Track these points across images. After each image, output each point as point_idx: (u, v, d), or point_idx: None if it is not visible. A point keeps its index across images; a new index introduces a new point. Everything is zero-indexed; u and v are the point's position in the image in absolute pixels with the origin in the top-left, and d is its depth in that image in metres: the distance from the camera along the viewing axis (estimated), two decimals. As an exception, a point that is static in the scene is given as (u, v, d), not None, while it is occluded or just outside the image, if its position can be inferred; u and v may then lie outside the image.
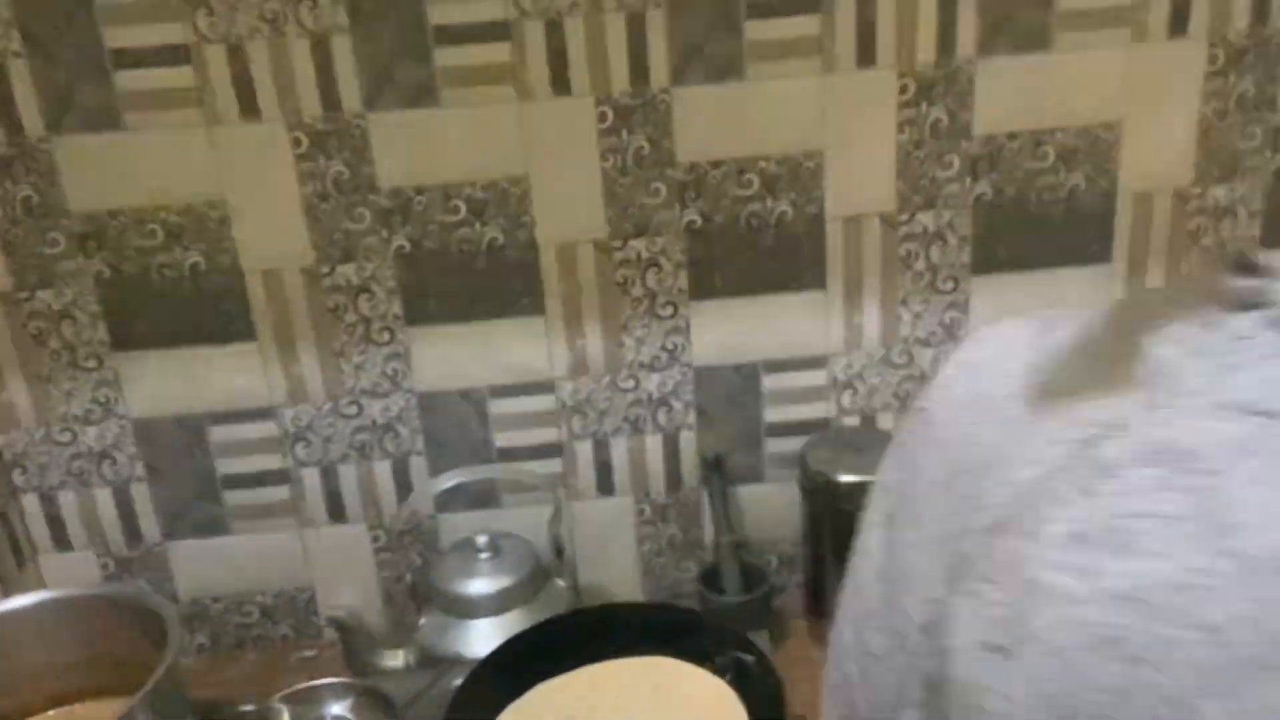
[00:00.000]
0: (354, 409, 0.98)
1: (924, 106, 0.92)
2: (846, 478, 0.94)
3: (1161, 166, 0.95)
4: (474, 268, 0.94)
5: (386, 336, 0.95)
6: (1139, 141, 0.94)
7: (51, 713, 0.86)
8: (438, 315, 0.95)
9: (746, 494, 1.03)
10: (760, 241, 0.95)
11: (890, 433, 1.02)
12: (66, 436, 0.96)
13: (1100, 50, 0.91)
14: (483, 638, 0.90)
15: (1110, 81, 0.92)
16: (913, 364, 1.01)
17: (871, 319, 0.99)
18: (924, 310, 0.99)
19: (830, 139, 0.92)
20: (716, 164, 0.92)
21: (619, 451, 1.02)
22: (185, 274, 0.92)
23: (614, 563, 1.06)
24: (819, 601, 1.00)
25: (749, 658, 0.79)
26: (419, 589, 0.93)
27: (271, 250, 0.92)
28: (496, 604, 0.91)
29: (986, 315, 0.99)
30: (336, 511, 1.01)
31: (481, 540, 0.93)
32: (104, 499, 0.99)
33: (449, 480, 0.92)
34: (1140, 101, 0.93)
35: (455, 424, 0.99)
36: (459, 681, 0.81)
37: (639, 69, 0.88)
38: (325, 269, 0.93)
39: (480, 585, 0.92)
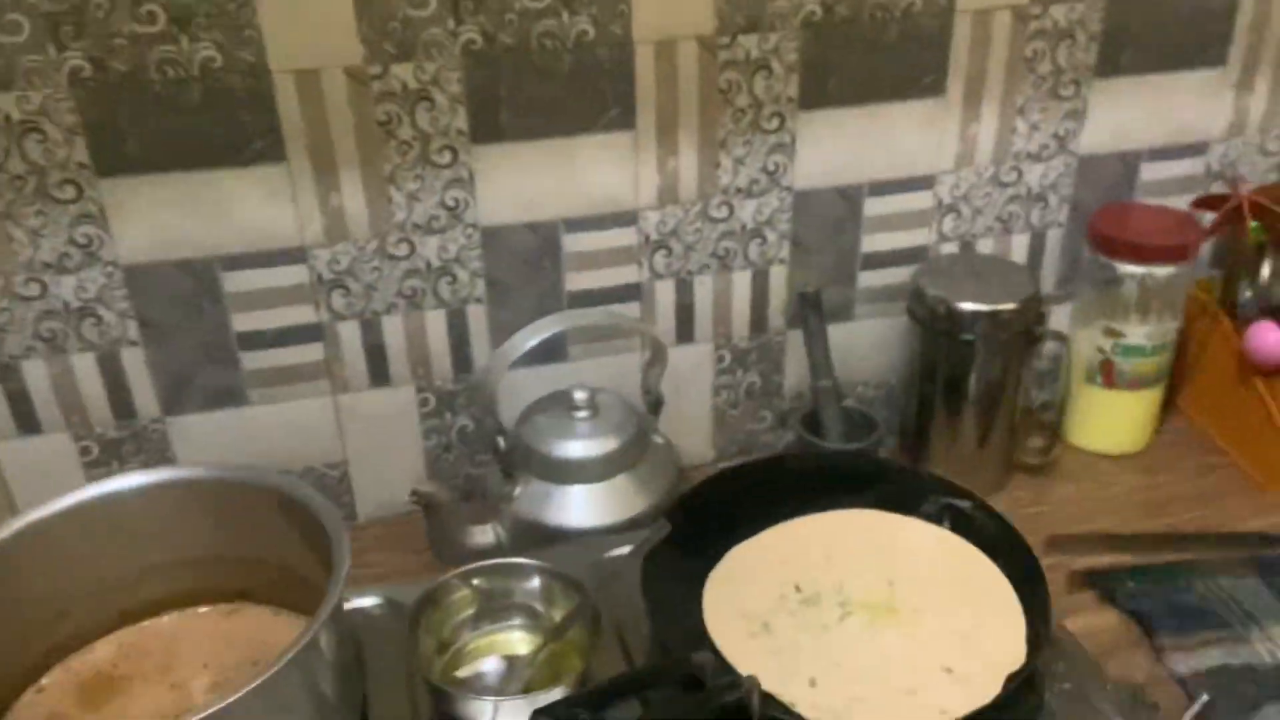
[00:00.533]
0: (404, 248, 0.81)
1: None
2: (970, 305, 0.85)
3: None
4: (557, 70, 0.77)
5: (448, 157, 0.78)
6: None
7: (168, 616, 0.70)
8: (510, 131, 0.78)
9: (836, 333, 0.92)
10: (882, 38, 0.82)
11: (999, 258, 0.94)
12: (33, 289, 0.75)
13: None
14: (586, 505, 0.78)
15: None
16: (1020, 181, 0.92)
17: (989, 130, 0.88)
18: (1042, 120, 0.89)
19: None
20: (843, -60, 0.78)
21: (703, 292, 0.89)
22: (194, 73, 0.71)
23: (684, 415, 0.94)
24: (923, 444, 0.92)
25: (963, 502, 0.70)
26: (511, 455, 0.79)
27: (307, 44, 0.72)
28: (601, 469, 0.79)
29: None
30: (379, 374, 0.85)
31: (580, 396, 0.80)
32: (85, 367, 0.79)
33: (545, 330, 0.77)
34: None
35: (521, 264, 0.83)
36: (635, 551, 0.68)
37: None
38: (376, 69, 0.74)
39: (582, 448, 0.79)
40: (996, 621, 0.68)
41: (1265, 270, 0.90)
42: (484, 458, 0.90)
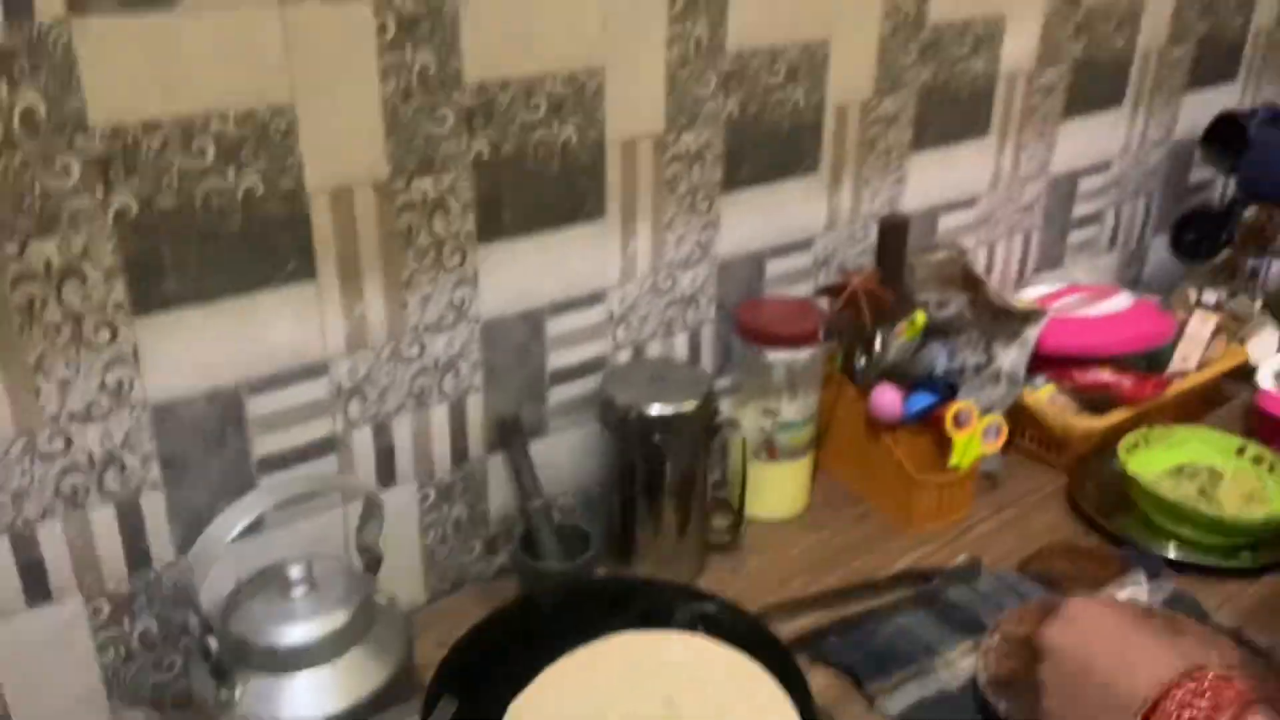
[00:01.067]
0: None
1: (687, 24, 0.89)
2: (658, 409, 0.91)
3: (852, 81, 1.04)
4: (225, 229, 0.71)
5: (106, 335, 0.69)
6: (840, 58, 1.02)
7: None
8: (178, 297, 0.71)
9: (534, 450, 0.94)
10: (546, 171, 0.86)
11: (671, 360, 1.01)
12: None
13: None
14: (321, 692, 0.72)
15: (824, 2, 0.98)
16: (675, 288, 1.00)
17: (644, 245, 0.95)
18: (686, 232, 0.98)
19: (611, 55, 0.86)
20: (504, 85, 0.80)
21: (402, 433, 0.86)
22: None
23: (392, 562, 0.90)
24: (628, 543, 0.96)
25: (710, 606, 0.74)
26: (223, 654, 0.70)
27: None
28: (332, 648, 0.73)
29: (733, 229, 1.02)
30: (35, 592, 0.72)
31: (296, 572, 0.73)
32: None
33: (252, 509, 0.69)
34: (846, 19, 1.00)
35: (199, 437, 0.75)
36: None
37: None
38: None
39: (308, 630, 0.72)
40: (772, 714, 0.72)
41: (878, 341, 1.06)
42: (174, 659, 0.79)
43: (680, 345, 1.03)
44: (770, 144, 1.01)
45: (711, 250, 1.01)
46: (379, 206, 0.77)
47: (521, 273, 0.88)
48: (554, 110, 0.84)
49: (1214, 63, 1.39)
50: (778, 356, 0.99)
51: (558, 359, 0.94)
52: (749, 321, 1.01)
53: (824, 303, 1.07)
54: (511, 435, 0.90)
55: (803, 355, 1.00)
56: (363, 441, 0.84)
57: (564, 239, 0.89)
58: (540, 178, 0.85)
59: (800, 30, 0.97)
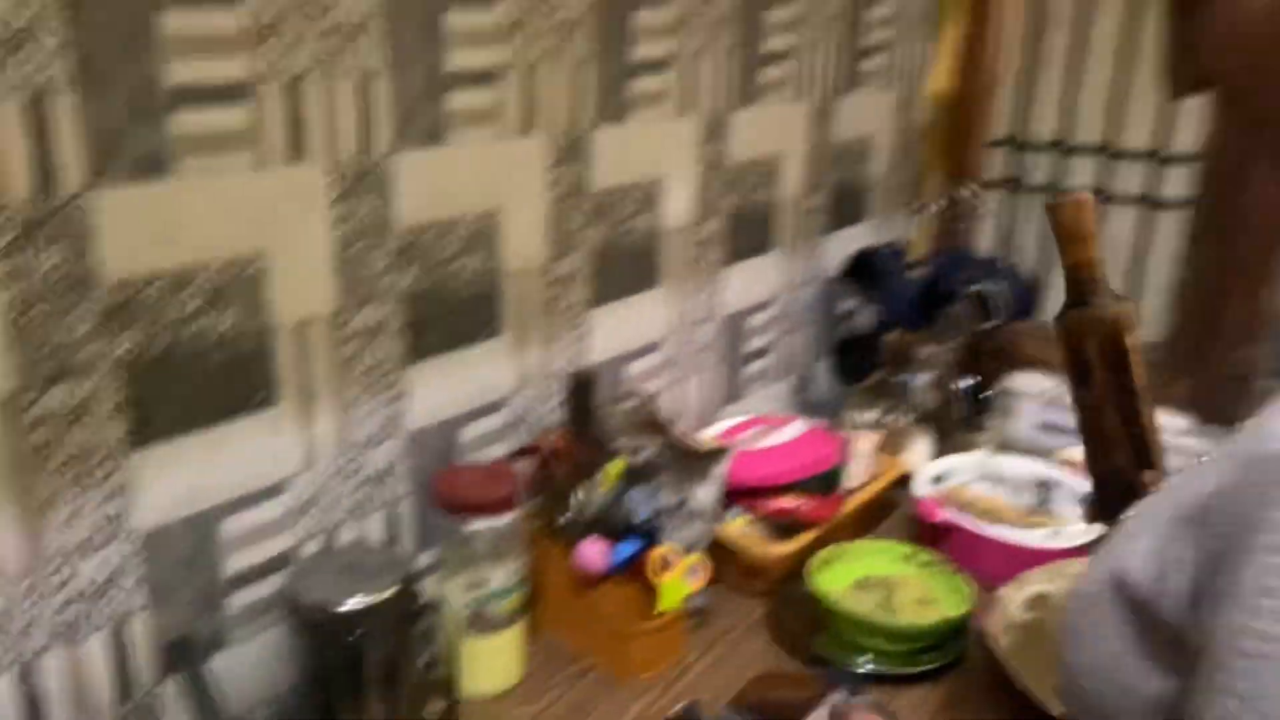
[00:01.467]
0: None
1: (352, 204, 0.89)
2: (351, 603, 0.85)
3: (526, 247, 1.08)
4: None
5: None
6: (512, 227, 1.05)
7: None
8: None
9: (218, 664, 0.85)
10: (204, 365, 0.80)
11: (364, 544, 0.96)
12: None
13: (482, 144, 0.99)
14: None
15: (492, 172, 1.01)
16: (364, 468, 0.96)
17: (326, 427, 0.91)
18: (371, 409, 0.95)
19: (271, 240, 0.83)
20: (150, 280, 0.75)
21: (50, 675, 0.75)
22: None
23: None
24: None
25: None
26: None
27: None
28: None
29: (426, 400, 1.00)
30: None
31: None
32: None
33: None
34: (510, 192, 1.04)
35: None
36: None
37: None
38: None
39: None
40: None
41: (577, 497, 1.07)
42: None
43: (376, 526, 0.99)
44: (452, 312, 1.01)
45: (401, 424, 0.98)
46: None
47: (188, 474, 0.81)
48: (210, 300, 0.79)
49: (846, 207, 1.58)
50: (480, 525, 0.97)
51: (236, 561, 0.86)
52: (447, 492, 0.98)
53: (522, 464, 1.07)
54: (184, 657, 0.81)
55: (504, 520, 0.98)
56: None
57: (233, 432, 0.83)
58: (200, 371, 0.80)
59: (470, 204, 0.99)
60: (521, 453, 1.06)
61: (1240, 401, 1.44)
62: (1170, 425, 1.48)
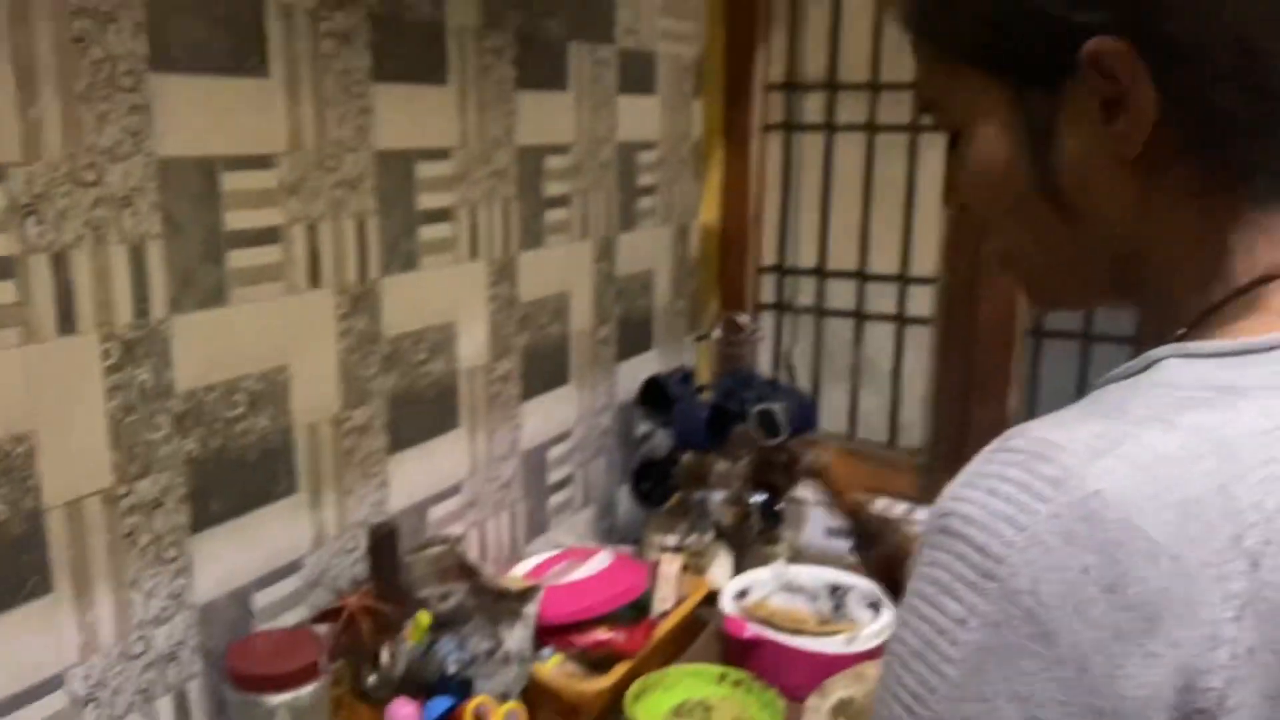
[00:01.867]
0: None
1: (128, 373, 0.85)
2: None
3: (319, 400, 1.06)
4: None
5: None
6: (302, 380, 1.03)
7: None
8: None
9: None
10: (-37, 558, 0.74)
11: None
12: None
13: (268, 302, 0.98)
14: None
15: (279, 327, 1.00)
16: (150, 649, 0.90)
17: (105, 611, 0.85)
18: (155, 585, 0.89)
19: (38, 417, 0.78)
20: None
21: None
22: None
23: None
24: None
25: None
26: None
27: None
28: None
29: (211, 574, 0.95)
30: None
31: None
32: None
33: None
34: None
35: None
36: None
37: None
38: None
39: None
40: None
41: (385, 655, 1.03)
42: None
43: (165, 711, 0.91)
44: (241, 474, 0.97)
45: (188, 598, 0.93)
46: None
47: None
48: (-30, 488, 0.73)
49: (633, 337, 1.65)
50: (279, 699, 0.92)
51: (1, 773, 0.78)
52: (241, 667, 0.93)
53: (323, 627, 1.02)
54: None
55: (306, 691, 0.94)
56: None
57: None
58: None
59: (256, 361, 0.97)
60: (323, 615, 1.02)
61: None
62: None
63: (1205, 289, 0.49)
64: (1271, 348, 0.45)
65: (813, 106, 1.75)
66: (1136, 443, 0.42)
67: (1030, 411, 1.63)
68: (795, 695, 1.16)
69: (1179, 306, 0.50)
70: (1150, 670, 0.40)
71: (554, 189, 1.39)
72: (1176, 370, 0.46)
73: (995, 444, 0.45)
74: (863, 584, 1.37)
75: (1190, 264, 0.50)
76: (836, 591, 1.38)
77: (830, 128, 1.73)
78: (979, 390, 1.59)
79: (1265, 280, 0.48)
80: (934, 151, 1.65)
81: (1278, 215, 0.49)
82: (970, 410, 1.60)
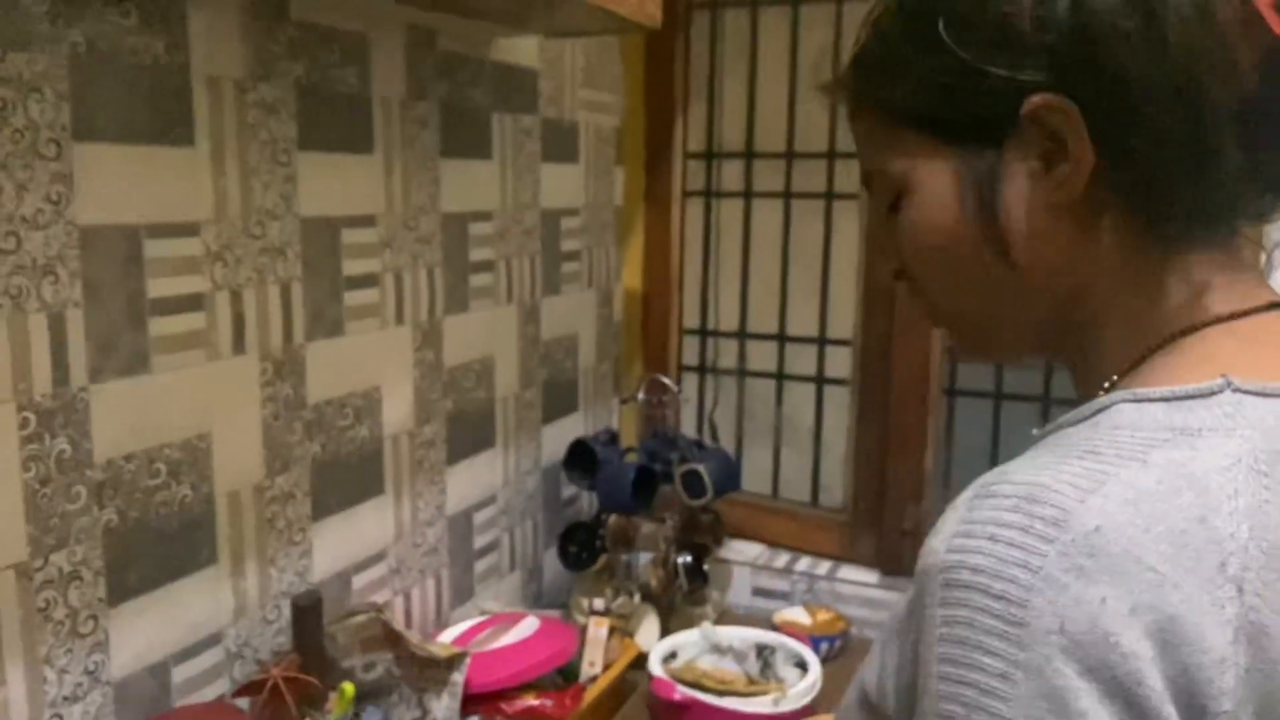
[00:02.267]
0: None
1: (47, 443, 0.83)
2: None
3: (241, 468, 1.05)
4: None
5: None
6: (224, 448, 1.02)
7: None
8: None
9: None
10: None
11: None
12: None
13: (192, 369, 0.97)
14: None
15: (202, 394, 0.99)
16: (60, 730, 0.86)
17: (16, 691, 0.82)
18: (68, 663, 0.87)
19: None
20: None
21: None
22: None
23: None
24: None
25: None
26: None
27: None
28: None
29: (129, 648, 0.92)
30: None
31: None
32: None
33: None
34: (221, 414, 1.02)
35: None
36: None
37: None
38: None
39: None
40: None
41: (308, 729, 1.01)
42: None
43: (74, 796, 0.88)
44: (160, 545, 0.95)
45: (103, 674, 0.90)
46: None
47: None
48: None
49: (559, 399, 1.66)
50: (198, 777, 0.90)
51: None
52: (159, 745, 0.90)
53: (245, 700, 1.00)
54: None
55: (227, 768, 0.91)
56: None
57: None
58: None
59: (178, 429, 0.96)
60: (245, 688, 1.00)
61: (913, 552, 1.62)
62: (858, 578, 1.64)
63: (1137, 333, 0.52)
64: (1212, 393, 0.48)
65: (731, 174, 1.81)
66: (1119, 481, 0.44)
67: (947, 469, 1.68)
68: (725, 755, 1.17)
69: (1110, 353, 0.53)
70: (1169, 691, 0.42)
71: (479, 254, 1.41)
72: (1131, 413, 0.48)
73: (974, 492, 0.47)
74: (789, 643, 1.39)
75: (1121, 309, 0.53)
76: (764, 651, 1.40)
77: (748, 195, 1.79)
78: (897, 448, 1.64)
79: (1190, 330, 0.51)
80: (847, 218, 1.72)
81: (1204, 260, 0.52)
82: (888, 468, 1.65)
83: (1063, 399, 1.58)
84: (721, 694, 1.28)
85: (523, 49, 1.47)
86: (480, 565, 1.49)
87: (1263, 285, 0.54)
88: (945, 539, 0.46)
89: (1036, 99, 0.50)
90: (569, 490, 1.70)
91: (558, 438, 1.64)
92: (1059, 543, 0.43)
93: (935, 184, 0.55)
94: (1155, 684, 0.42)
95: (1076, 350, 0.56)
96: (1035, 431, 0.55)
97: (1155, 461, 0.45)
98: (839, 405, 1.75)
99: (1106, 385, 0.53)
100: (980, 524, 0.45)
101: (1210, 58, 0.48)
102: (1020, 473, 0.46)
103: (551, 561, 1.64)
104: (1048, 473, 0.45)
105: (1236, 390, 0.48)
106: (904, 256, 0.59)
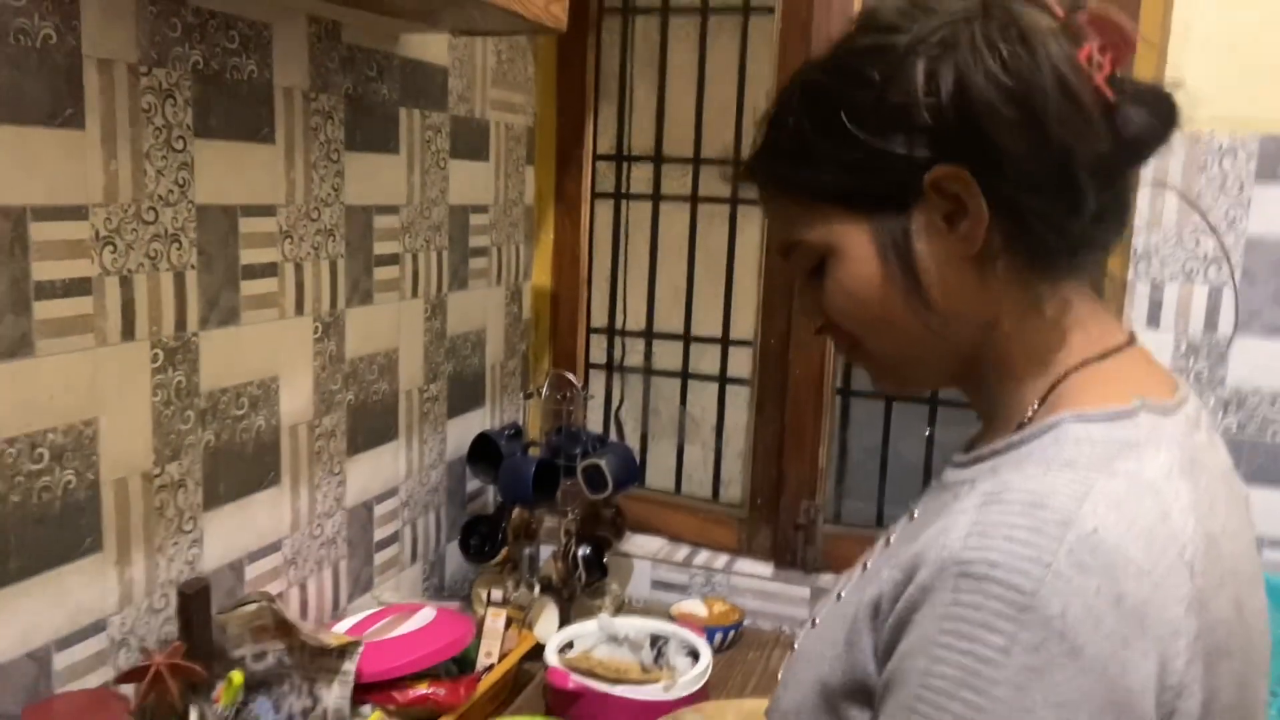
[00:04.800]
0: None
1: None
2: None
3: (129, 454, 1.04)
4: None
5: None
6: (111, 434, 1.01)
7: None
8: None
9: None
10: None
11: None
12: None
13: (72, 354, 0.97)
14: None
15: (87, 379, 0.98)
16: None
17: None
18: (-60, 648, 0.85)
19: None
20: None
21: None
22: None
23: None
24: None
25: None
26: None
27: None
28: None
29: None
30: None
31: None
32: None
33: None
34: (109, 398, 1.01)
35: None
36: None
37: None
38: None
39: None
40: None
41: (193, 716, 1.01)
42: None
43: (-56, 783, 0.87)
44: (41, 530, 0.94)
45: (-23, 660, 0.89)
46: None
47: None
48: None
49: (464, 393, 1.67)
50: (75, 763, 0.89)
51: None
52: (34, 732, 0.89)
53: (129, 688, 0.99)
54: None
55: (107, 754, 0.91)
56: None
57: None
58: None
59: (61, 413, 0.95)
60: (128, 675, 0.99)
61: (807, 546, 1.68)
62: (754, 571, 1.69)
63: (1045, 362, 0.62)
64: (1132, 413, 0.58)
65: (640, 177, 1.84)
66: (1100, 488, 0.53)
67: (840, 466, 1.74)
68: (615, 742, 1.20)
69: (1020, 386, 0.63)
70: (1145, 663, 0.51)
71: (384, 248, 1.42)
72: (1080, 430, 0.57)
73: (982, 498, 0.55)
74: (682, 633, 1.42)
75: (1025, 336, 0.62)
76: (658, 641, 1.43)
77: (657, 198, 1.83)
78: (793, 446, 1.69)
79: (1090, 361, 0.61)
80: (751, 222, 1.76)
81: (1077, 289, 0.63)
82: (784, 465, 1.70)
83: (948, 400, 1.64)
84: (615, 682, 1.31)
85: (431, 46, 1.48)
86: (380, 557, 1.49)
87: (1114, 319, 0.65)
88: (961, 538, 0.53)
89: (938, 170, 0.59)
90: (474, 484, 1.71)
91: (463, 432, 1.65)
92: (1066, 541, 0.51)
93: (856, 249, 0.63)
94: (1131, 655, 0.50)
95: (981, 377, 0.65)
96: (959, 457, 0.65)
97: (1119, 471, 0.54)
98: (739, 404, 1.80)
99: (1030, 412, 0.62)
100: (994, 525, 0.53)
101: (1076, 128, 0.57)
102: (1018, 482, 0.55)
103: (454, 554, 1.66)
104: (1039, 481, 0.54)
105: (1149, 410, 0.58)
106: (832, 313, 0.66)
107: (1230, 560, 0.56)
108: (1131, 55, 0.59)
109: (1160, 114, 0.59)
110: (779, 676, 0.71)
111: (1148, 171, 1.43)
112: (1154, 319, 1.47)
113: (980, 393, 0.67)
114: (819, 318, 0.68)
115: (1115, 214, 0.62)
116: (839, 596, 0.69)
